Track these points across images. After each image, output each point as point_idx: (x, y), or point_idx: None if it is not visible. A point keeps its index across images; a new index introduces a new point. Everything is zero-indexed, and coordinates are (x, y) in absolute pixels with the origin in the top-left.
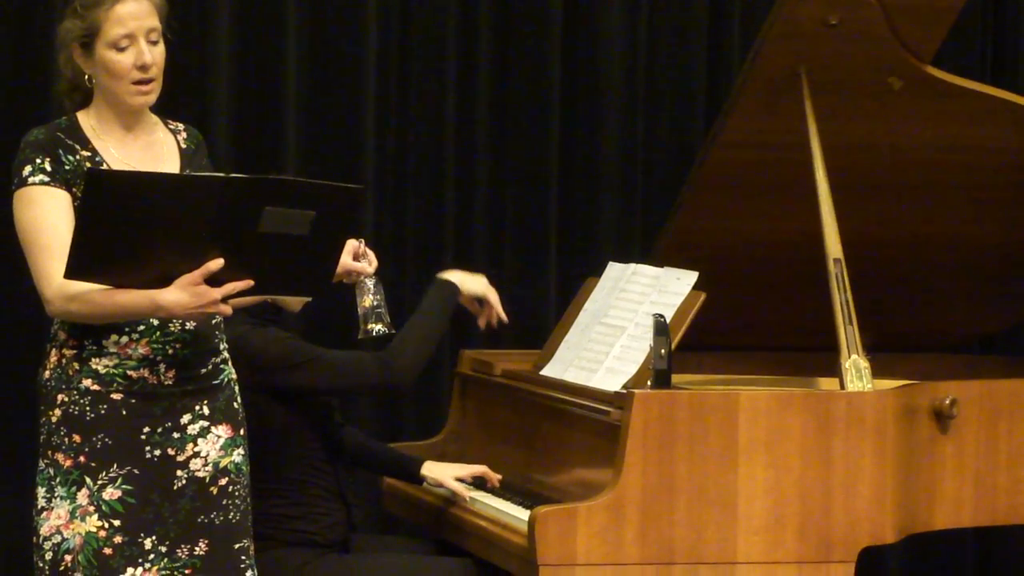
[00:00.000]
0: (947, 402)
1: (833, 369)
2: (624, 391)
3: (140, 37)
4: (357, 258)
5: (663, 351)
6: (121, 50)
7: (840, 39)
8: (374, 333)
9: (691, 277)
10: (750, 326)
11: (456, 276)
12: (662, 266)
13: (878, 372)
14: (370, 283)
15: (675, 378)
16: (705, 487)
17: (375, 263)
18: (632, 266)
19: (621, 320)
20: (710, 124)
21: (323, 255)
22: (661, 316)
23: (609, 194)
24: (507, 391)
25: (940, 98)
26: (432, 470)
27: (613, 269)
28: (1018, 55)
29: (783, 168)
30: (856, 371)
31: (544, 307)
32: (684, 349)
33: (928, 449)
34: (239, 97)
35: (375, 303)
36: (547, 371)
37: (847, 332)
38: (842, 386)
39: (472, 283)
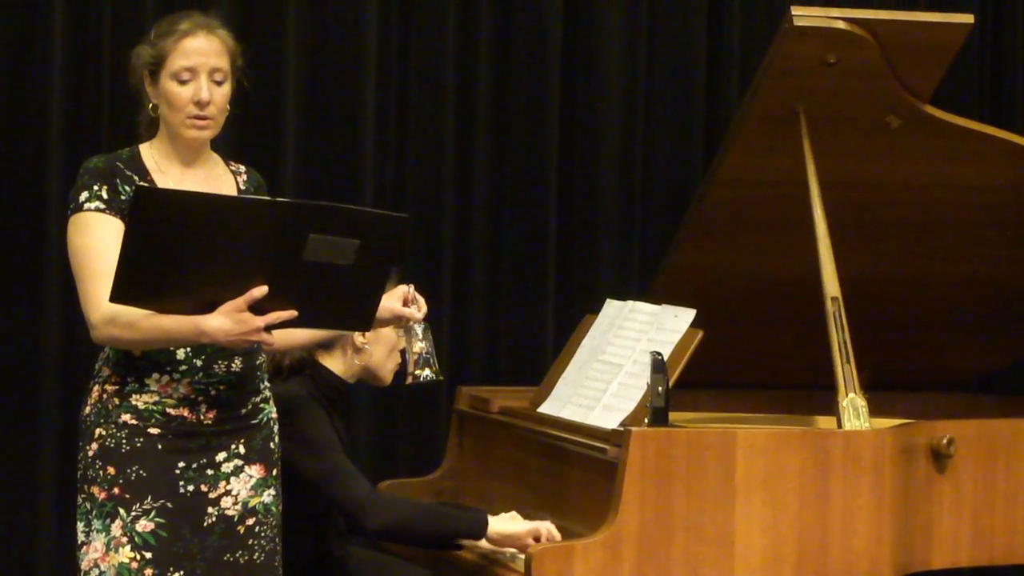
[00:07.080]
0: (944, 441)
1: (831, 407)
2: (621, 428)
3: (203, 73)
4: (407, 303)
5: (660, 389)
6: (182, 83)
7: (838, 77)
8: (422, 379)
9: (689, 315)
10: (747, 364)
11: (501, 524)
12: (660, 303)
13: (875, 411)
14: (419, 329)
15: (672, 416)
16: (702, 525)
17: (424, 309)
18: (630, 303)
19: (619, 357)
20: (708, 161)
21: (367, 287)
22: (659, 354)
23: (607, 231)
24: (504, 428)
25: (938, 137)
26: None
27: (611, 306)
28: (1015, 94)
29: (781, 206)
30: (854, 410)
31: (542, 344)
32: (681, 387)
33: (925, 488)
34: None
35: (424, 349)
36: (544, 408)
37: (845, 370)
38: (840, 425)
39: (503, 526)
